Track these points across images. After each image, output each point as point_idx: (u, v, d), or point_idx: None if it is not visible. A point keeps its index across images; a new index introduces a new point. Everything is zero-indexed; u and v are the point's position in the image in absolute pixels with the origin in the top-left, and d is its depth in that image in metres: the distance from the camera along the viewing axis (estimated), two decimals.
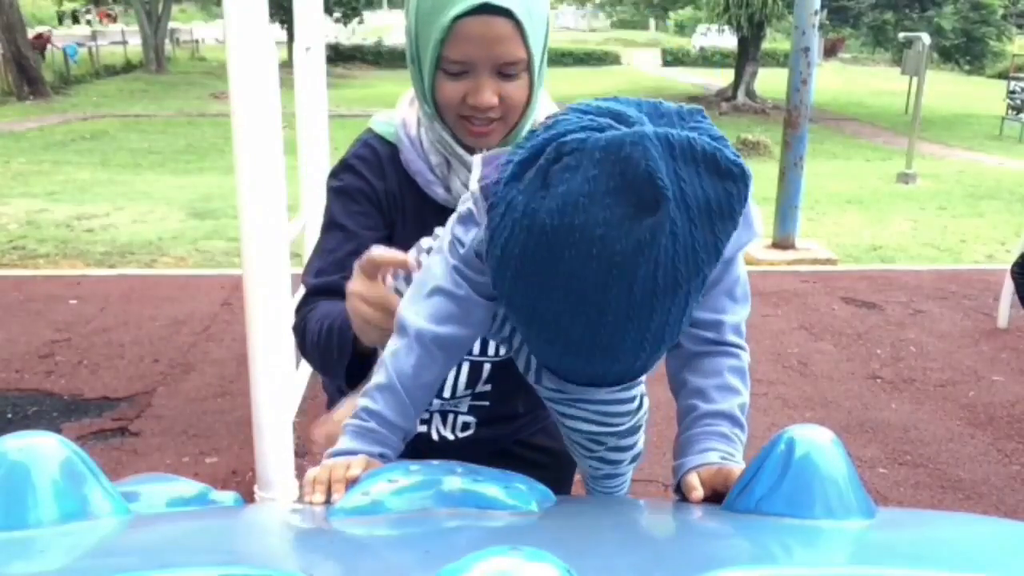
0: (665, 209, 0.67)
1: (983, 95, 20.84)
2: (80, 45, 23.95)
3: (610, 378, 0.81)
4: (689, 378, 0.91)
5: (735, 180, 0.70)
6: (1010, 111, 16.22)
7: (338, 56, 27.18)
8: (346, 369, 1.12)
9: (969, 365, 4.34)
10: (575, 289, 0.71)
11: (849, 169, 11.54)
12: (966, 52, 21.99)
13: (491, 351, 1.17)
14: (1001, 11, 21.33)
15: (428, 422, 1.24)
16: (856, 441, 3.44)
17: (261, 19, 2.29)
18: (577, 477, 1.45)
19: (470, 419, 1.27)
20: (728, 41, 28.45)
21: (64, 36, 27.28)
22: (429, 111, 1.14)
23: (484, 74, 1.08)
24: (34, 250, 6.38)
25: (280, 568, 0.57)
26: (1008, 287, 4.73)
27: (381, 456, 0.88)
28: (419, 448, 1.05)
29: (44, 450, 0.68)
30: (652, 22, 49.04)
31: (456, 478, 0.77)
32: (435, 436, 1.25)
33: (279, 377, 2.54)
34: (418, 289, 0.92)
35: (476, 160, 0.90)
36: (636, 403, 1.10)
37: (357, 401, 0.93)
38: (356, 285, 1.02)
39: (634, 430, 1.12)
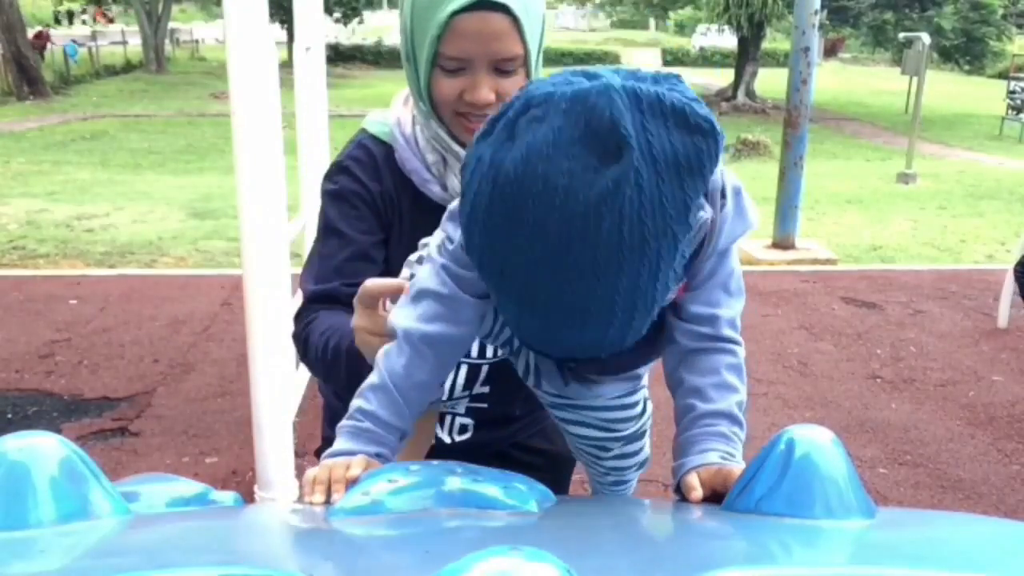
0: (629, 158, 0.66)
1: (983, 95, 20.84)
2: (80, 45, 23.97)
3: (584, 348, 0.78)
4: (686, 376, 0.90)
5: (704, 135, 0.69)
6: (1010, 111, 16.24)
7: (338, 56, 27.20)
8: None
9: (969, 365, 4.34)
10: (539, 242, 0.69)
11: (849, 169, 11.55)
12: (966, 52, 22.02)
13: (489, 353, 1.17)
14: (1001, 11, 21.36)
15: None
16: (856, 441, 3.44)
17: (261, 19, 2.29)
18: (575, 478, 1.45)
19: (468, 421, 1.27)
20: (728, 41, 28.47)
21: (62, 36, 27.26)
22: (425, 108, 1.14)
23: (481, 70, 1.07)
24: (34, 250, 6.39)
25: (280, 568, 0.57)
26: (1008, 287, 4.74)
27: (378, 456, 0.88)
28: None
29: (44, 450, 0.68)
30: (652, 22, 49.03)
31: (456, 478, 0.77)
32: (432, 439, 1.24)
33: (279, 377, 2.54)
34: (408, 294, 0.93)
35: None
36: (639, 408, 1.09)
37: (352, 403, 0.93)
38: (359, 320, 1.01)
39: (639, 435, 1.12)
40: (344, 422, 0.91)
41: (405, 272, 1.05)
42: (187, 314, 4.74)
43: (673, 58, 34.46)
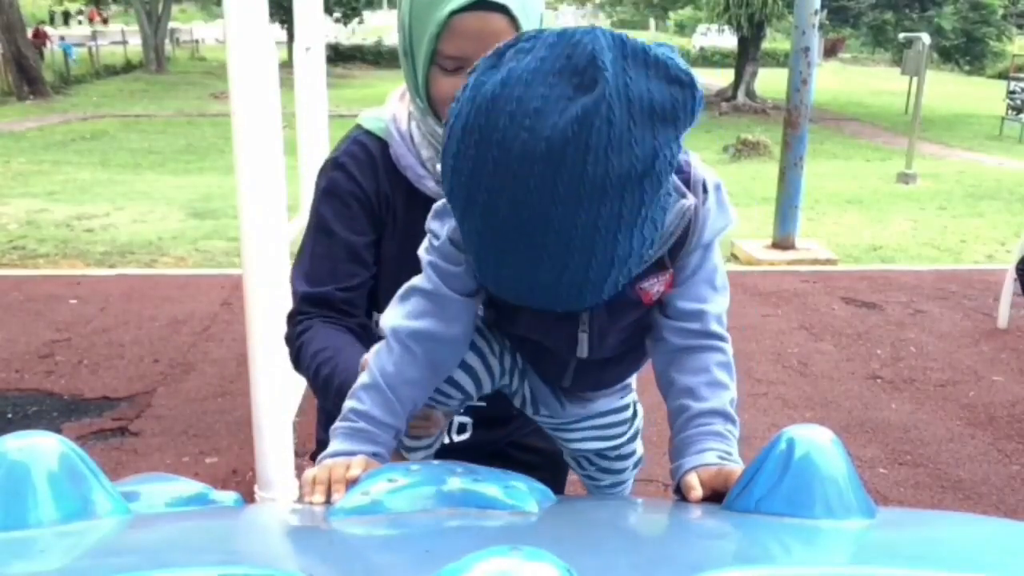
0: (602, 91, 0.67)
1: (983, 95, 20.84)
2: (79, 45, 23.97)
3: (536, 294, 0.76)
4: (677, 377, 0.91)
5: (682, 86, 0.70)
6: (1010, 111, 16.23)
7: (338, 56, 27.18)
8: None
9: (969, 365, 4.33)
10: (503, 164, 0.69)
11: (849, 169, 11.54)
12: (966, 52, 22.02)
13: None
14: (1001, 11, 21.37)
15: None
16: (856, 441, 3.44)
17: (261, 19, 2.29)
18: (573, 477, 1.46)
19: (466, 420, 1.27)
20: (728, 41, 28.47)
21: (57, 36, 27.27)
22: (422, 105, 1.14)
23: None
24: (34, 250, 6.38)
25: (280, 568, 0.57)
26: (1008, 287, 4.74)
27: (375, 455, 0.88)
28: None
29: (44, 450, 0.68)
30: (652, 22, 48.99)
31: (456, 478, 0.77)
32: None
33: (279, 377, 2.54)
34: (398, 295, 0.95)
35: None
36: (631, 411, 1.14)
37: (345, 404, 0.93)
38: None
39: (633, 437, 1.17)
40: (338, 423, 0.91)
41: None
42: (187, 314, 4.74)
43: None
